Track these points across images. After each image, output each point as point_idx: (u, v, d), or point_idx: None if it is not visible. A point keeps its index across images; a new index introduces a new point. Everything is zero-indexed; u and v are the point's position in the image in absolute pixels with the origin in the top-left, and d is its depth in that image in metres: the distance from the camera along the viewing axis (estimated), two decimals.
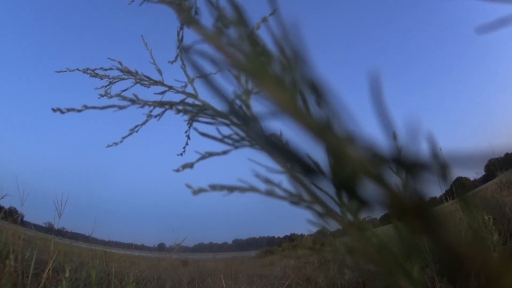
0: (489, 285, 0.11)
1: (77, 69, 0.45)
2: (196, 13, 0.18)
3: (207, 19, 0.16)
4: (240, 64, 0.14)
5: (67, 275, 1.43)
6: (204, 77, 0.15)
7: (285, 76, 0.13)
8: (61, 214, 1.76)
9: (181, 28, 0.26)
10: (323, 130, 0.12)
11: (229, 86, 0.16)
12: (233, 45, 0.14)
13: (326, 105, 0.13)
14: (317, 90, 0.13)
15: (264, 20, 0.19)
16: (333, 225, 0.16)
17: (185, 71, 0.31)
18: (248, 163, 0.18)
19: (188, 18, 0.17)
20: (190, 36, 0.17)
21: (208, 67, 0.15)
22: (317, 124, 0.13)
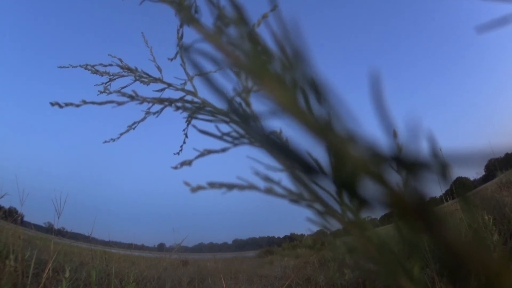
0: (489, 285, 0.11)
1: (79, 66, 0.46)
2: (196, 11, 0.18)
3: (207, 17, 0.16)
4: (241, 63, 0.14)
5: (67, 275, 1.43)
6: (204, 75, 0.15)
7: (285, 75, 0.13)
8: (61, 214, 1.76)
9: (181, 26, 0.26)
10: (323, 129, 0.12)
11: (228, 85, 0.16)
12: (233, 44, 0.14)
13: (327, 104, 0.13)
14: (318, 89, 0.13)
15: (265, 16, 0.19)
16: (333, 224, 0.16)
17: (184, 69, 0.31)
18: (248, 161, 0.18)
19: (188, 17, 0.17)
20: (190, 34, 0.17)
21: (208, 66, 0.15)
22: (318, 123, 0.13)
